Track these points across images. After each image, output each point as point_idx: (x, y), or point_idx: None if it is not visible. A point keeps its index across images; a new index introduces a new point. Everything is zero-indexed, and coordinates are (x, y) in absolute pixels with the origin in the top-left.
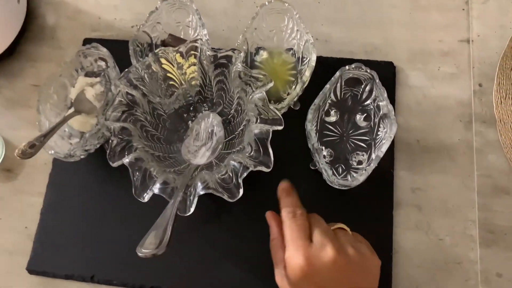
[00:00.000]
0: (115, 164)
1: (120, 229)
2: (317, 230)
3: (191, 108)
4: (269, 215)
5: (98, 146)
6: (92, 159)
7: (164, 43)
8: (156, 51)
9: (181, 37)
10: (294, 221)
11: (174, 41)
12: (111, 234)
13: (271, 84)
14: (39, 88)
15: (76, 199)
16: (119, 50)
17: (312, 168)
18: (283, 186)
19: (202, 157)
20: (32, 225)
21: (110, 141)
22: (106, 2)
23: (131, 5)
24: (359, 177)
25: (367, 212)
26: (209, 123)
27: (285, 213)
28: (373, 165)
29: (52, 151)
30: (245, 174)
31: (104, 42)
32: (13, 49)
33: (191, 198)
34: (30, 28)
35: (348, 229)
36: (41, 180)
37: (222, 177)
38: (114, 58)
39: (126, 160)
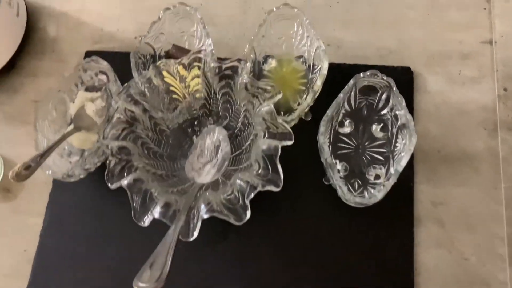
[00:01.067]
0: (113, 186)
1: (123, 252)
2: None
3: (196, 122)
4: None
5: (98, 164)
6: (94, 178)
7: (168, 54)
8: (157, 63)
9: (186, 47)
10: None
11: (178, 51)
12: (113, 258)
13: (279, 96)
14: (37, 105)
15: (77, 221)
16: (122, 62)
17: (326, 183)
18: None
19: (207, 175)
20: (31, 247)
21: (108, 161)
22: (109, 13)
23: (134, 15)
24: (377, 194)
25: (386, 230)
26: (214, 138)
27: None
28: (392, 181)
29: (50, 171)
30: (252, 195)
31: (106, 54)
32: (13, 63)
33: (195, 221)
34: (30, 42)
35: None
36: (41, 200)
37: (228, 197)
38: (117, 71)
39: (124, 182)
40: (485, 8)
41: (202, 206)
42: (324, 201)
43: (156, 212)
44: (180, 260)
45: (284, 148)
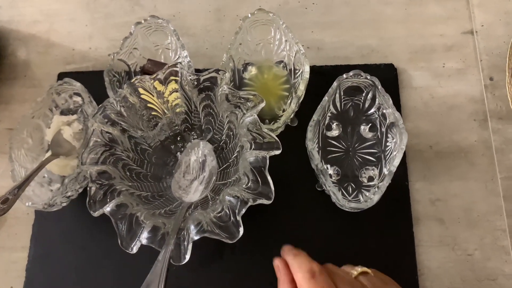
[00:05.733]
0: (96, 214)
1: (113, 281)
2: None
3: (179, 138)
4: (279, 265)
5: (81, 190)
6: (77, 205)
7: (143, 70)
8: (131, 81)
9: (162, 61)
10: (316, 283)
11: (154, 66)
12: (104, 286)
13: (262, 104)
14: (11, 133)
15: (63, 251)
16: (97, 81)
17: (319, 189)
18: (287, 249)
19: (195, 192)
20: (17, 283)
21: (89, 188)
22: (79, 32)
23: (106, 32)
24: (373, 197)
25: (385, 232)
26: (199, 153)
27: (301, 275)
28: (386, 182)
29: (30, 203)
30: (243, 211)
31: (80, 75)
32: None
33: (185, 244)
34: (0, 69)
35: (369, 271)
36: (24, 232)
37: (218, 215)
38: (93, 91)
39: (107, 209)
40: None
41: (192, 227)
42: (319, 208)
43: (144, 238)
44: (173, 282)
45: (272, 157)
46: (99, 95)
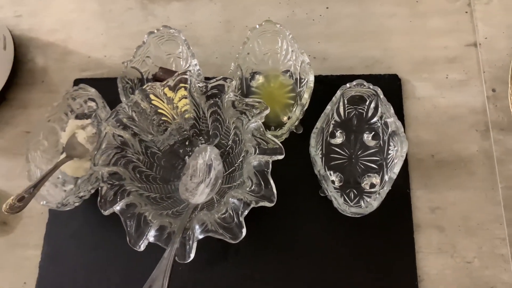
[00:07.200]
0: (106, 213)
1: (123, 278)
2: None
3: (187, 143)
4: None
5: (93, 191)
6: (90, 205)
7: (155, 77)
8: (143, 87)
9: (173, 69)
10: None
11: (165, 74)
12: (113, 284)
13: (267, 111)
14: (28, 136)
15: (75, 250)
16: (111, 88)
17: (322, 195)
18: None
19: (201, 195)
20: (30, 280)
21: (100, 187)
22: (94, 41)
23: (119, 41)
24: (373, 202)
25: (385, 238)
26: (206, 157)
27: None
28: (386, 188)
29: (44, 202)
30: (246, 212)
31: (94, 81)
32: (3, 96)
33: (190, 242)
34: (19, 74)
35: None
36: (38, 231)
37: (222, 216)
38: (106, 97)
39: (117, 208)
40: (466, 12)
41: (197, 226)
42: (321, 213)
43: (151, 236)
44: (178, 283)
45: (277, 162)
46: (112, 101)
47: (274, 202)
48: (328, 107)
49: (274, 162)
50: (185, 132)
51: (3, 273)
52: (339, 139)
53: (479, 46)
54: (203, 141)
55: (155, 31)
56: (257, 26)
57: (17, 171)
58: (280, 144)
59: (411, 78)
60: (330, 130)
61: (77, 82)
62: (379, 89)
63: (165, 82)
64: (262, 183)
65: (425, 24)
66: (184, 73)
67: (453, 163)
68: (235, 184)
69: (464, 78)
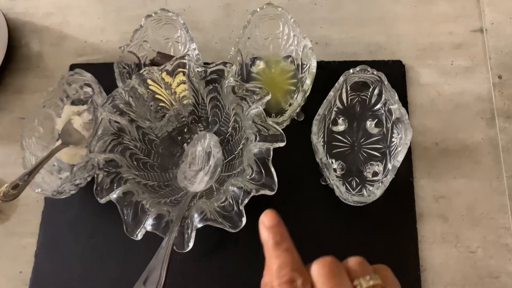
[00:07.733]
0: (102, 201)
1: (120, 267)
2: None
3: (185, 130)
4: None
5: (89, 179)
6: (86, 193)
7: (153, 62)
8: (140, 72)
9: (171, 54)
10: None
11: (163, 58)
12: (110, 273)
13: (268, 97)
14: (23, 122)
15: (71, 238)
16: (108, 73)
17: (323, 183)
18: (269, 223)
19: (200, 183)
20: (26, 268)
21: (96, 175)
22: (91, 25)
23: (117, 25)
24: (376, 191)
25: (388, 228)
26: (205, 144)
27: (277, 282)
28: (389, 177)
29: (39, 189)
30: (246, 201)
31: (91, 66)
32: None
33: (189, 231)
34: (14, 59)
35: (379, 281)
36: (34, 219)
37: (222, 204)
38: (103, 82)
39: (113, 196)
40: None
41: (196, 215)
42: (323, 202)
43: (148, 225)
44: (176, 273)
45: (278, 150)
46: (109, 87)
47: (275, 191)
48: (331, 93)
49: (275, 149)
50: (183, 119)
51: None
52: (341, 127)
53: (485, 32)
54: (202, 128)
55: (153, 14)
56: (258, 10)
57: (12, 158)
58: (282, 131)
59: (416, 64)
60: (333, 117)
61: (73, 67)
62: (383, 74)
63: (163, 66)
64: (263, 171)
65: (430, 9)
66: (183, 57)
67: (457, 151)
68: (235, 172)
69: (469, 65)
